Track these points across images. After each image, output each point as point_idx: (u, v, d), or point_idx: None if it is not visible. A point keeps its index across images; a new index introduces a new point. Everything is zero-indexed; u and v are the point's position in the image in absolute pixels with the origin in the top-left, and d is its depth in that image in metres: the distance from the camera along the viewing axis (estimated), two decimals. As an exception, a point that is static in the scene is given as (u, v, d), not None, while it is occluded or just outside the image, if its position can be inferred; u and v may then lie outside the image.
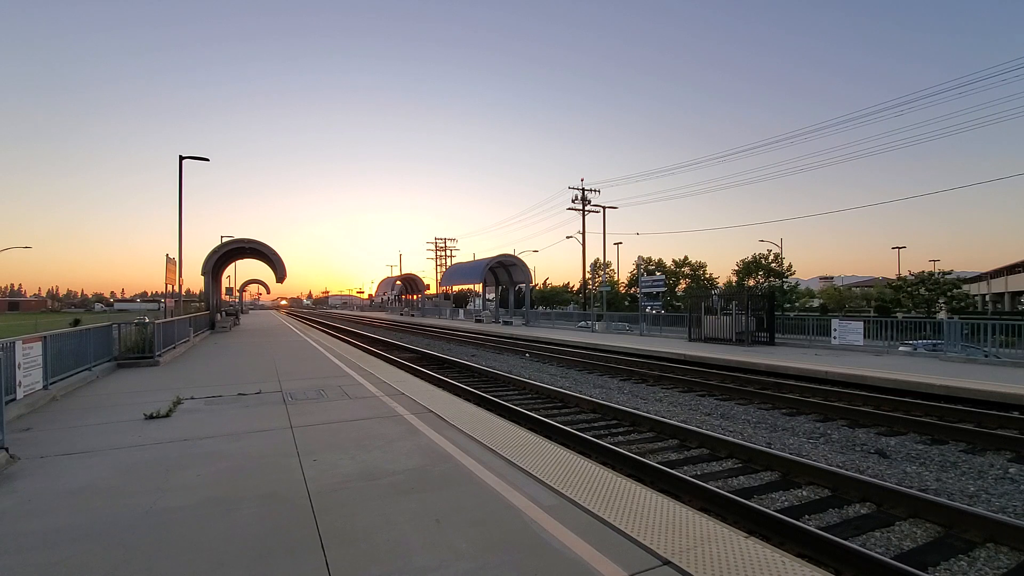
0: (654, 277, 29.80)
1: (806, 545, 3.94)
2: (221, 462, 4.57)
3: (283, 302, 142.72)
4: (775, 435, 7.54)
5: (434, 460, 4.61)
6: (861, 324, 16.91)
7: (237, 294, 53.28)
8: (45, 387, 7.23)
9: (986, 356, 13.60)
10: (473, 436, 5.39)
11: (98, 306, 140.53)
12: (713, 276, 54.64)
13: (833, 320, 17.88)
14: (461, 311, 49.58)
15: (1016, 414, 8.11)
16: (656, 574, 2.72)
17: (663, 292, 30.26)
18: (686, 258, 55.68)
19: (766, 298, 20.73)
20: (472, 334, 26.75)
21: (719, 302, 20.33)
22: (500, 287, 41.41)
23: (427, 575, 2.69)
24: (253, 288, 73.80)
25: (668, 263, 55.77)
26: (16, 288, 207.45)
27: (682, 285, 53.83)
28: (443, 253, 70.57)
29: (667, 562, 2.82)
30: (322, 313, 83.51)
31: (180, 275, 19.49)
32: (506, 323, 35.28)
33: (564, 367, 15.25)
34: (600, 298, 32.72)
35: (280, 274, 26.17)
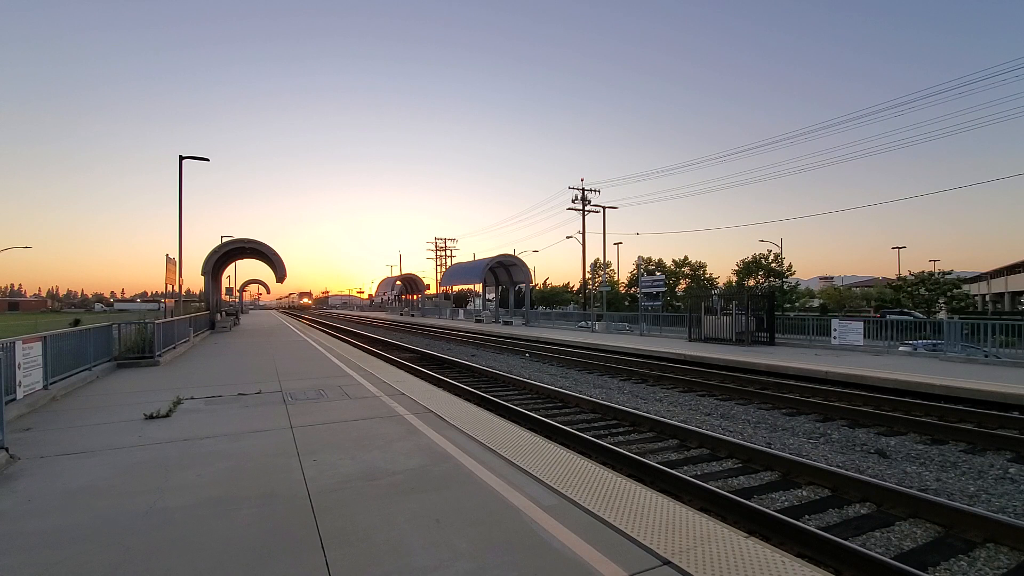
0: (654, 277, 29.74)
1: (806, 545, 3.94)
2: (221, 462, 4.57)
3: (305, 300, 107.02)
4: (775, 435, 7.53)
5: (434, 460, 4.61)
6: (861, 324, 16.92)
7: (237, 294, 53.28)
8: (45, 387, 7.23)
9: (986, 356, 13.60)
10: (473, 436, 5.39)
11: (98, 306, 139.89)
12: (713, 276, 54.61)
13: (833, 320, 17.88)
14: (461, 311, 49.58)
15: (1016, 414, 8.11)
16: (656, 574, 2.72)
17: (663, 292, 30.23)
18: (686, 258, 55.66)
19: (766, 298, 20.72)
20: (472, 334, 26.74)
21: (719, 302, 20.33)
22: (500, 287, 41.41)
23: (427, 575, 2.69)
24: (253, 288, 73.70)
25: (668, 263, 55.74)
26: (16, 288, 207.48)
27: (682, 285, 53.79)
28: (443, 253, 70.57)
29: (667, 562, 2.82)
30: (322, 313, 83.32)
31: (180, 275, 19.48)
32: (506, 323, 35.28)
33: (564, 367, 15.24)
34: (600, 298, 32.70)
35: (280, 274, 26.16)
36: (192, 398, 7.49)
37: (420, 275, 65.18)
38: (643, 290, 27.10)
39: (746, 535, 3.19)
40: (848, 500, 4.99)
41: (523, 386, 11.37)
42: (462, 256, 69.49)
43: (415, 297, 65.18)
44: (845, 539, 3.92)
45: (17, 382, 6.27)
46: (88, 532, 3.20)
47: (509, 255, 37.36)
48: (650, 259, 55.78)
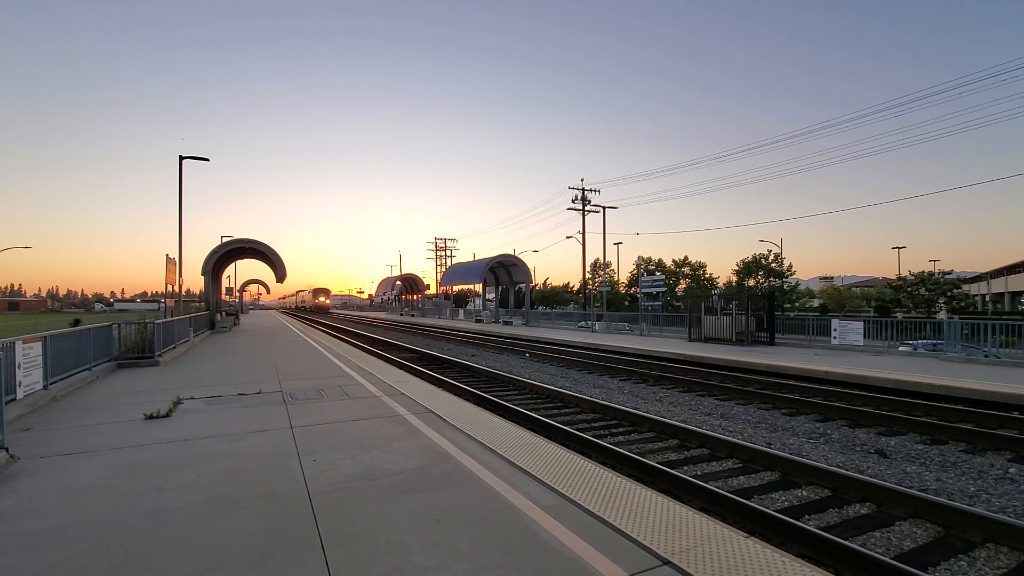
0: (654, 277, 29.73)
1: (806, 545, 3.94)
2: (221, 462, 4.57)
3: (321, 299, 74.22)
4: (775, 435, 7.53)
5: (434, 460, 4.61)
6: (861, 324, 16.92)
7: (237, 294, 53.29)
8: (45, 387, 7.23)
9: (986, 356, 13.60)
10: (473, 436, 5.39)
11: (98, 306, 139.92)
12: (713, 276, 54.70)
13: (833, 320, 17.88)
14: (461, 311, 49.58)
15: (1016, 414, 8.11)
16: (656, 574, 2.72)
17: (663, 292, 30.23)
18: (686, 258, 55.74)
19: (766, 298, 20.74)
20: (472, 334, 26.74)
21: (719, 302, 20.33)
22: (500, 287, 41.41)
23: (427, 575, 2.69)
24: (253, 288, 73.62)
25: (668, 263, 55.80)
26: (16, 288, 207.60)
27: (682, 285, 53.84)
28: (443, 253, 70.59)
29: (667, 562, 2.82)
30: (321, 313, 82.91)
31: (180, 275, 19.48)
32: (506, 323, 35.28)
33: (564, 367, 15.24)
34: (600, 298, 32.71)
35: (280, 274, 26.17)
36: (192, 398, 7.49)
37: (420, 275, 65.19)
38: (643, 290, 27.09)
39: (746, 535, 3.19)
40: (848, 500, 4.99)
41: (523, 386, 11.37)
42: (462, 256, 69.52)
43: (415, 297, 65.17)
44: (845, 539, 3.92)
45: (17, 382, 6.27)
46: (88, 532, 3.20)
47: (509, 255, 37.37)
48: (650, 259, 55.85)
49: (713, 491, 4.84)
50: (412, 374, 11.23)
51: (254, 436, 5.46)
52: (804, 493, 5.23)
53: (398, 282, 68.62)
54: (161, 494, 3.81)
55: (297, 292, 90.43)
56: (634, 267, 41.28)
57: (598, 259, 49.88)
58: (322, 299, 73.62)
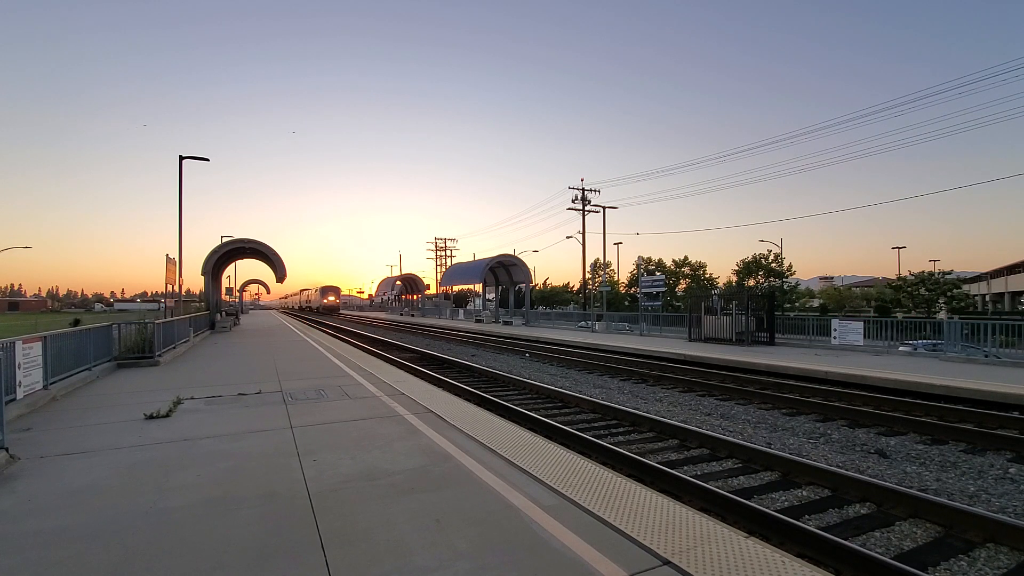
0: (654, 277, 29.73)
1: (806, 545, 3.94)
2: (221, 462, 4.57)
3: (330, 299, 67.00)
4: (775, 435, 7.53)
5: (434, 460, 4.61)
6: (861, 324, 16.91)
7: (237, 294, 53.26)
8: (45, 387, 7.23)
9: (986, 356, 13.60)
10: (473, 436, 5.39)
11: (98, 306, 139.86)
12: (713, 276, 54.75)
13: (833, 320, 17.87)
14: (461, 311, 49.56)
15: (1016, 414, 8.10)
16: (656, 574, 2.72)
17: (663, 292, 30.23)
18: (686, 258, 55.78)
19: (766, 298, 20.73)
20: (472, 334, 26.74)
21: (719, 302, 20.32)
22: (500, 287, 41.39)
23: (427, 575, 2.69)
24: (253, 288, 73.50)
25: (668, 263, 55.84)
26: (16, 288, 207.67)
27: (682, 285, 53.87)
28: (443, 253, 70.60)
29: (667, 562, 2.82)
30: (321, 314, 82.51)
31: (180, 275, 19.49)
32: (506, 323, 35.27)
33: (564, 367, 15.24)
34: (600, 298, 32.72)
35: (280, 274, 26.18)
36: (192, 398, 7.49)
37: (420, 275, 65.09)
38: (643, 290, 27.09)
39: (746, 535, 3.19)
40: (848, 500, 4.99)
41: (523, 386, 11.37)
42: (462, 256, 69.47)
43: (415, 297, 65.10)
44: (845, 539, 3.92)
45: (17, 382, 6.27)
46: (89, 532, 3.20)
47: (509, 255, 37.36)
48: (650, 259, 55.89)
49: (713, 491, 4.84)
50: (412, 374, 11.23)
51: (254, 436, 5.46)
52: (804, 493, 5.23)
53: (398, 282, 68.52)
54: (161, 494, 3.81)
55: (301, 291, 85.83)
56: (634, 267, 41.32)
57: (598, 259, 49.99)
58: (331, 299, 67.07)
